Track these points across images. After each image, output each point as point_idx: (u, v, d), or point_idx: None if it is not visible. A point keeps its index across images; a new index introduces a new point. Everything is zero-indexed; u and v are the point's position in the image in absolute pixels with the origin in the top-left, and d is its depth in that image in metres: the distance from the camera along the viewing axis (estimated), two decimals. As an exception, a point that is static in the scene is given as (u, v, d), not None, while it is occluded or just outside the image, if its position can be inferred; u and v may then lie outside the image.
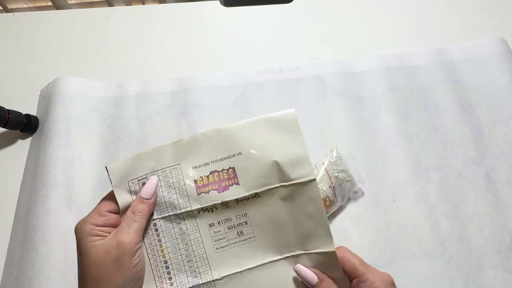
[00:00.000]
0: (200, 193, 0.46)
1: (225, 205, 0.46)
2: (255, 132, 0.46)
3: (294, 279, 0.46)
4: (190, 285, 0.45)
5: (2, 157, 0.70)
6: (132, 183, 0.45)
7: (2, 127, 0.66)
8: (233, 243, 0.46)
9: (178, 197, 0.46)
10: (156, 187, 0.45)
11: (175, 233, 0.46)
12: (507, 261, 0.58)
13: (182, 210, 0.45)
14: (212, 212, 0.46)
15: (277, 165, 0.45)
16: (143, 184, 0.45)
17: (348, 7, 0.86)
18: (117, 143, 0.69)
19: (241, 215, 0.46)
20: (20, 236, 0.61)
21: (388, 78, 0.73)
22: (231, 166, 0.46)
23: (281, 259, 0.46)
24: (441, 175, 0.64)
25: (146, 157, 0.46)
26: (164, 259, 0.45)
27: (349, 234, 0.61)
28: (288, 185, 0.45)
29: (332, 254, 0.44)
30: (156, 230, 0.46)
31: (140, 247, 0.43)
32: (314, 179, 0.45)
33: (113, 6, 1.19)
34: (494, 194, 0.63)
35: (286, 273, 0.46)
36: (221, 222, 0.46)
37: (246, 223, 0.46)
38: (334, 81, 0.74)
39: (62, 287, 0.57)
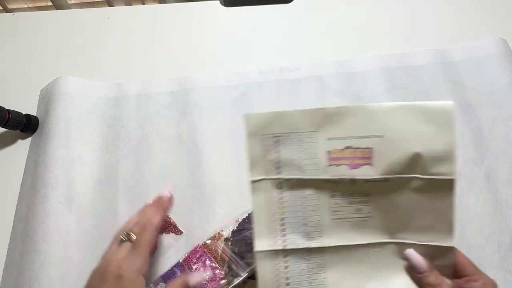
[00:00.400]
0: (330, 164, 0.46)
1: (353, 182, 0.45)
2: (403, 118, 0.45)
3: (400, 265, 0.46)
4: (301, 246, 0.46)
5: (2, 157, 0.70)
6: (266, 137, 0.46)
7: (2, 127, 0.66)
8: (349, 218, 0.46)
9: (308, 162, 0.46)
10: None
11: (296, 196, 0.46)
12: (507, 261, 0.58)
13: (309, 177, 0.46)
14: (337, 185, 0.46)
15: (417, 157, 0.44)
16: (276, 142, 0.46)
17: (348, 7, 0.86)
18: (117, 143, 0.68)
19: (364, 194, 0.46)
20: (20, 236, 0.61)
21: (388, 78, 0.73)
22: (369, 147, 0.45)
23: (391, 242, 0.46)
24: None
25: (286, 116, 0.46)
26: (281, 217, 0.46)
27: None
28: (424, 178, 0.44)
29: (449, 250, 0.45)
30: (280, 188, 0.46)
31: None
32: (454, 179, 0.44)
33: (113, 6, 1.19)
34: (494, 194, 0.62)
35: (393, 256, 0.46)
36: (343, 196, 0.46)
37: (367, 202, 0.46)
38: (334, 81, 0.74)
39: (61, 287, 0.57)
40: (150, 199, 0.57)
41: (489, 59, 0.74)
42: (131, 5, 1.24)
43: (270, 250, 0.46)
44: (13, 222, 0.64)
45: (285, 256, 0.46)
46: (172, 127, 0.70)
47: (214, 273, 0.51)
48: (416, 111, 0.45)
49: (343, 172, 0.45)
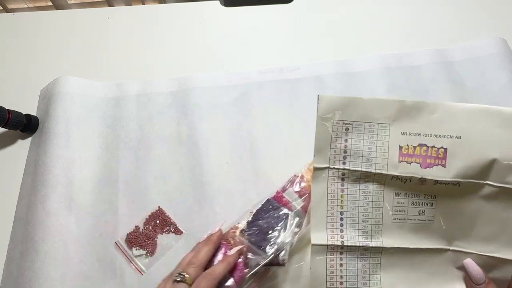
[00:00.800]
0: (402, 160, 0.44)
1: (422, 182, 0.44)
2: (484, 122, 0.43)
3: (456, 273, 0.45)
4: (360, 244, 0.44)
5: (2, 157, 0.70)
6: (337, 122, 0.44)
7: (2, 127, 0.66)
8: (410, 219, 0.45)
9: (377, 156, 0.44)
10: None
11: (359, 190, 0.45)
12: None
13: (376, 171, 0.44)
14: (404, 183, 0.44)
15: (494, 163, 0.43)
16: (347, 129, 0.44)
17: (348, 7, 0.86)
18: (117, 143, 0.68)
19: (430, 196, 0.44)
20: (20, 236, 0.61)
21: (388, 78, 0.73)
22: (444, 147, 0.44)
23: (449, 250, 0.45)
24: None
25: (359, 102, 0.44)
26: (341, 210, 0.44)
27: None
28: (498, 186, 0.43)
29: (509, 263, 0.44)
30: (343, 179, 0.45)
31: None
32: None
33: (113, 6, 1.19)
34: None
35: (450, 264, 0.45)
36: (407, 195, 0.44)
37: (431, 204, 0.44)
38: (334, 81, 0.74)
39: (62, 287, 0.57)
40: (202, 237, 0.54)
41: (489, 59, 0.74)
42: (131, 5, 1.24)
43: (327, 245, 0.44)
44: (13, 222, 0.64)
45: (341, 253, 0.44)
46: (172, 127, 0.70)
47: (236, 263, 0.51)
48: (497, 116, 0.43)
49: (414, 170, 0.44)
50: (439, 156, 0.43)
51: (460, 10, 0.84)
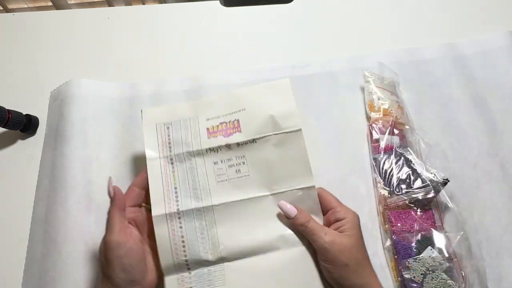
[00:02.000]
0: (210, 137, 0.58)
1: (228, 147, 0.57)
2: (256, 94, 0.59)
3: (278, 213, 0.56)
4: (193, 207, 0.55)
5: (2, 157, 0.70)
6: (159, 126, 0.59)
7: (2, 127, 0.66)
8: (231, 178, 0.57)
9: (192, 138, 0.58)
10: (111, 187, 0.55)
11: (186, 167, 0.57)
12: (525, 250, 0.59)
13: (195, 149, 0.57)
14: (217, 152, 0.57)
15: (272, 118, 0.57)
16: (167, 128, 0.58)
17: (358, 3, 0.86)
18: (133, 142, 0.69)
19: (240, 157, 0.57)
20: (40, 237, 0.61)
21: (400, 72, 0.74)
22: (236, 119, 0.58)
23: (269, 195, 0.56)
24: (457, 167, 0.65)
25: (174, 108, 0.60)
26: (174, 185, 0.56)
27: None
28: (279, 133, 0.56)
29: (312, 188, 0.56)
30: (172, 163, 0.57)
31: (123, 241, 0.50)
32: (300, 129, 0.56)
33: (113, 6, 1.19)
34: (510, 185, 0.63)
35: (272, 207, 0.56)
36: (223, 161, 0.57)
37: (243, 163, 0.57)
38: (346, 76, 0.74)
39: (85, 287, 0.57)
40: None
41: (500, 52, 0.75)
42: (131, 5, 1.24)
43: (166, 214, 0.54)
44: (31, 224, 0.64)
45: (179, 218, 0.54)
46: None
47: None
48: (264, 88, 0.59)
49: (220, 141, 0.57)
50: (235, 126, 0.58)
51: (470, 4, 0.84)
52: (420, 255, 0.56)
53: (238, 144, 0.57)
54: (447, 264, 0.55)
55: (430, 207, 0.60)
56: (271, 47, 0.81)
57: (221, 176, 0.56)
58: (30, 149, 0.70)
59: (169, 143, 0.58)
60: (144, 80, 0.75)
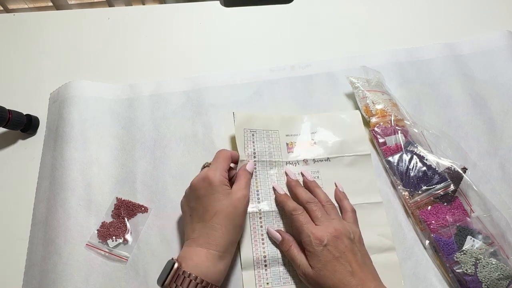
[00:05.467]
0: (289, 152, 0.66)
1: (305, 162, 0.65)
2: (332, 120, 0.69)
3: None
4: (272, 209, 0.61)
5: (2, 157, 0.70)
6: (246, 131, 0.65)
7: (2, 127, 0.66)
8: None
9: (274, 150, 0.66)
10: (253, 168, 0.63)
11: (266, 174, 0.64)
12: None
13: (276, 159, 0.65)
14: (295, 166, 0.65)
15: (345, 142, 0.67)
16: (252, 135, 0.65)
17: (358, 3, 0.87)
18: (133, 143, 0.68)
19: (315, 171, 0.65)
20: (40, 239, 0.61)
21: (399, 72, 0.74)
22: (314, 139, 0.68)
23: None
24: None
25: (259, 118, 0.68)
26: (256, 189, 0.62)
27: None
28: (351, 155, 0.66)
29: (379, 204, 0.63)
30: (255, 169, 0.63)
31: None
32: (369, 154, 0.66)
33: (113, 6, 1.19)
34: (510, 184, 0.63)
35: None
36: (300, 174, 0.64)
37: (318, 177, 0.64)
38: (345, 77, 0.73)
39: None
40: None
41: (498, 51, 0.76)
42: (131, 5, 1.24)
43: (248, 212, 0.60)
44: (31, 226, 0.63)
45: (260, 218, 0.61)
46: (188, 127, 0.70)
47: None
48: (339, 116, 0.69)
49: (298, 156, 0.66)
50: (311, 145, 0.67)
51: (469, 4, 0.85)
52: (464, 247, 0.56)
53: (314, 161, 0.65)
54: (491, 249, 0.55)
55: (455, 196, 0.60)
56: (271, 47, 0.81)
57: None
58: (30, 149, 0.70)
59: (254, 149, 0.64)
60: (144, 80, 0.75)
